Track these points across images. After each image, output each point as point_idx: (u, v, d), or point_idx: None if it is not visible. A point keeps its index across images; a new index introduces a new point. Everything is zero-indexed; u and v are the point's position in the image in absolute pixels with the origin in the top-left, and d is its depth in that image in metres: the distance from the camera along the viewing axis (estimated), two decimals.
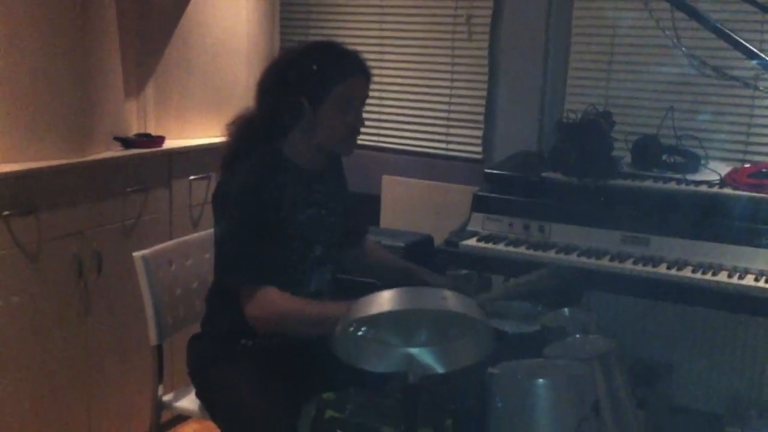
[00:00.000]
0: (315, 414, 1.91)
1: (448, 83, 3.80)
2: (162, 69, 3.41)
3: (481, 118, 3.73)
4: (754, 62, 1.78)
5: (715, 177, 2.95)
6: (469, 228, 3.08)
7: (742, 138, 3.23)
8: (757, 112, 3.20)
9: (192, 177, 3.33)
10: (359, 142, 2.30)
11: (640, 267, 2.73)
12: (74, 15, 2.82)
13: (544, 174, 3.08)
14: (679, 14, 2.24)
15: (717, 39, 1.77)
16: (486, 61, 3.68)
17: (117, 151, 3.09)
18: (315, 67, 2.15)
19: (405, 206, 3.87)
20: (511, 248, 2.92)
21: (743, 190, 2.83)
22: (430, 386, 1.83)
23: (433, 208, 3.77)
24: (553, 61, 3.56)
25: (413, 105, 3.90)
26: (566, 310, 2.19)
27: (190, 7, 3.41)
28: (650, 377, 3.12)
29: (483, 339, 1.71)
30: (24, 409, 2.76)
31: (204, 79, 3.49)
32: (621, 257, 2.79)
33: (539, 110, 3.58)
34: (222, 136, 2.34)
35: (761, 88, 3.02)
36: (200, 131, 3.49)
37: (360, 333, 1.70)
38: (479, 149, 3.74)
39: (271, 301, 2.07)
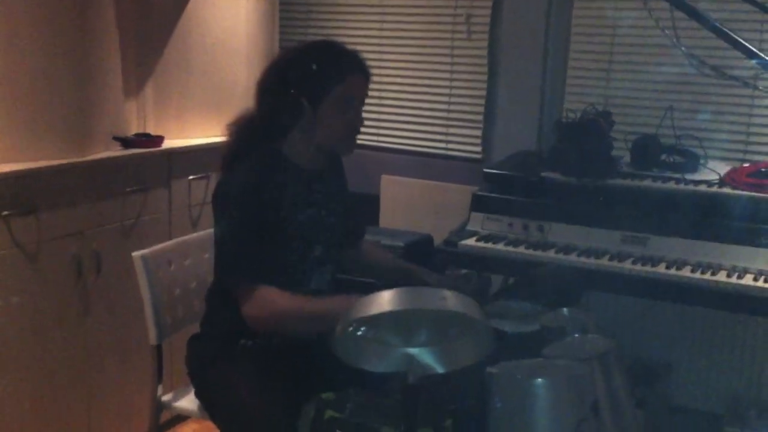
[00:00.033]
0: (314, 414, 1.91)
1: (447, 83, 3.80)
2: (161, 69, 3.40)
3: (480, 117, 3.73)
4: (754, 62, 1.78)
5: (714, 176, 2.95)
6: (469, 228, 3.08)
7: (742, 137, 3.24)
8: (756, 111, 3.21)
9: (191, 177, 3.33)
10: (358, 141, 2.30)
11: (639, 267, 2.73)
12: (74, 15, 2.82)
13: (543, 174, 3.08)
14: (679, 14, 2.23)
15: (716, 38, 1.77)
16: (485, 61, 3.68)
17: (116, 151, 3.09)
18: (314, 67, 2.15)
19: (404, 206, 3.87)
20: (510, 248, 2.92)
21: (742, 190, 2.83)
22: (430, 386, 1.83)
23: (433, 207, 3.77)
24: (553, 61, 3.56)
25: (413, 104, 3.90)
26: (565, 309, 2.18)
27: (189, 7, 3.41)
28: (649, 377, 3.13)
29: (483, 339, 1.71)
30: (24, 409, 2.76)
31: (203, 79, 3.49)
32: (620, 257, 2.79)
33: (539, 110, 3.59)
34: (221, 136, 2.34)
35: (761, 87, 3.03)
36: (199, 131, 3.49)
37: (360, 333, 1.70)
38: (478, 149, 3.75)
39: (269, 300, 2.06)
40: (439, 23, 3.78)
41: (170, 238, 2.80)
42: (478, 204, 3.10)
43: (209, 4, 3.46)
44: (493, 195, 3.11)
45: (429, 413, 1.86)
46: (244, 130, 2.24)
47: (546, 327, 2.09)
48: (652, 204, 2.89)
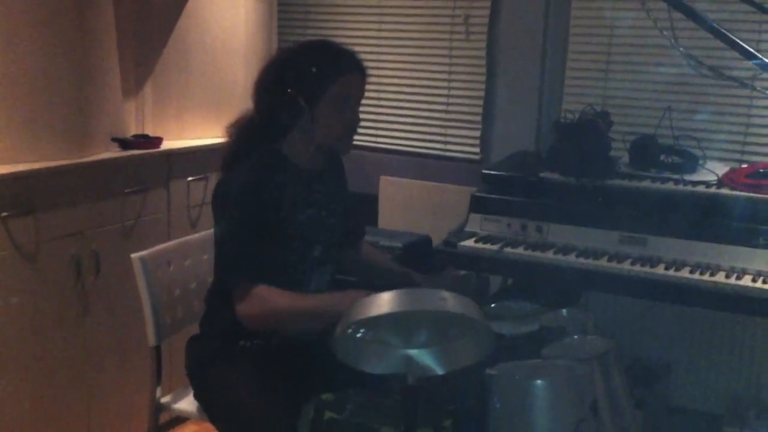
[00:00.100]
0: (314, 415, 1.92)
1: (445, 83, 3.80)
2: (160, 69, 3.40)
3: (478, 118, 3.73)
4: (752, 62, 1.78)
5: (712, 177, 2.95)
6: (467, 229, 3.08)
7: (740, 138, 3.24)
8: (754, 112, 3.21)
9: (190, 178, 3.33)
10: (357, 142, 2.30)
11: (638, 267, 2.73)
12: (73, 15, 2.82)
13: (541, 174, 3.08)
14: (677, 14, 2.24)
15: (714, 39, 1.77)
16: (484, 61, 3.68)
17: (115, 152, 3.09)
18: (311, 66, 2.16)
19: (403, 207, 3.88)
20: (509, 249, 2.92)
21: (741, 191, 2.83)
22: (430, 387, 1.83)
23: (431, 208, 3.77)
24: (551, 61, 3.57)
25: (411, 105, 3.90)
26: (564, 310, 2.19)
27: (188, 8, 3.41)
28: (648, 377, 3.13)
29: (482, 339, 1.71)
30: (23, 409, 2.76)
31: (202, 80, 3.49)
32: (619, 257, 2.79)
33: (537, 110, 3.59)
34: (220, 136, 2.34)
35: (758, 88, 3.03)
36: (198, 132, 3.49)
37: (359, 335, 1.70)
38: (477, 150, 3.75)
39: (264, 299, 2.07)
40: (437, 24, 3.78)
41: (169, 239, 2.80)
42: (477, 205, 3.10)
43: (208, 5, 3.46)
44: (491, 196, 3.11)
45: (429, 413, 1.86)
46: (243, 131, 2.25)
47: (545, 327, 2.10)
48: (650, 204, 2.89)
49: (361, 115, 2.26)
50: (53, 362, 2.85)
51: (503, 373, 1.80)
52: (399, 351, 1.72)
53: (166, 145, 3.30)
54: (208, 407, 2.29)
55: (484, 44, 3.67)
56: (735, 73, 3.00)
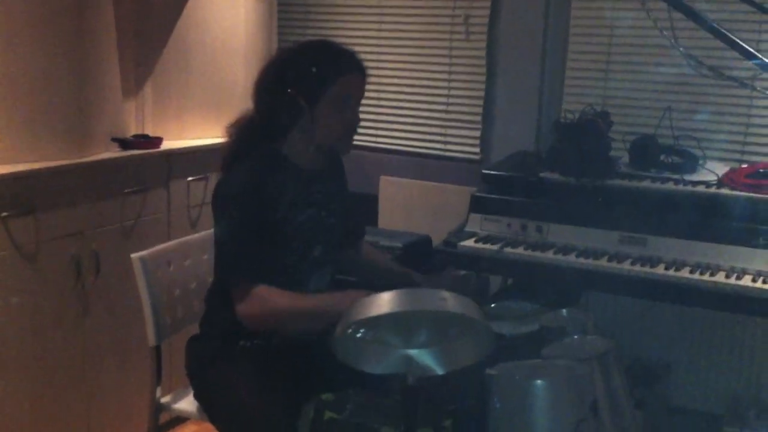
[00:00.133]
0: (314, 415, 1.92)
1: (445, 83, 3.80)
2: (160, 69, 3.40)
3: (478, 118, 3.73)
4: (752, 62, 1.78)
5: (712, 177, 2.95)
6: (467, 229, 3.08)
7: (740, 138, 3.24)
8: (754, 112, 3.21)
9: (190, 178, 3.33)
10: (357, 142, 2.30)
11: (638, 267, 2.73)
12: (72, 15, 2.82)
13: (541, 174, 3.08)
14: (677, 14, 2.24)
15: (714, 39, 1.77)
16: (484, 61, 3.68)
17: (115, 152, 3.09)
18: (311, 66, 2.16)
19: (403, 207, 3.88)
20: (509, 249, 2.92)
21: (741, 191, 2.83)
22: (430, 387, 1.83)
23: (431, 208, 3.77)
24: (551, 61, 3.57)
25: (411, 105, 3.90)
26: (564, 310, 2.19)
27: (188, 8, 3.41)
28: (648, 377, 3.13)
29: (482, 339, 1.71)
30: (23, 409, 2.76)
31: (202, 80, 3.49)
32: (619, 257, 2.79)
33: (537, 110, 3.59)
34: (220, 136, 2.34)
35: (758, 88, 3.03)
36: (198, 132, 3.49)
37: (359, 335, 1.70)
38: (477, 150, 3.75)
39: (263, 299, 2.07)
40: (437, 24, 3.78)
41: (169, 239, 2.80)
42: (477, 205, 3.10)
43: (208, 5, 3.46)
44: (491, 196, 3.11)
45: (429, 413, 1.86)
46: (243, 131, 2.25)
47: (545, 327, 2.10)
48: (650, 204, 2.89)
49: (361, 115, 2.26)
50: (53, 362, 2.85)
51: (503, 373, 1.80)
52: (399, 351, 1.72)
53: (166, 145, 3.30)
54: (208, 407, 2.29)
55: (484, 44, 3.67)
56: (735, 73, 3.00)
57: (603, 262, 2.77)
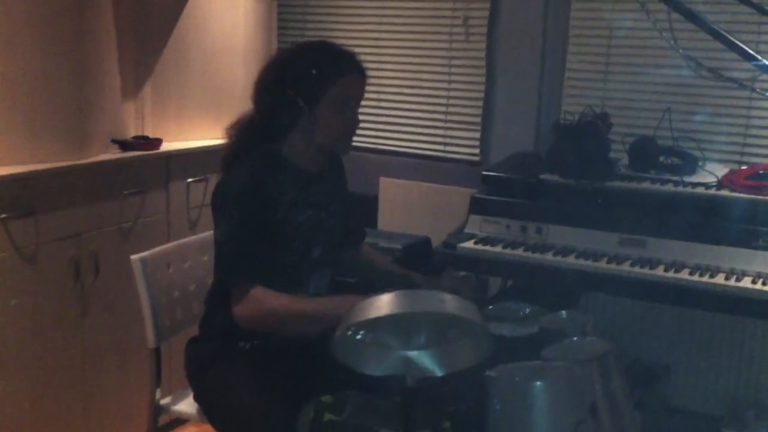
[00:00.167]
0: (313, 416, 1.92)
1: (445, 85, 3.80)
2: (159, 70, 3.40)
3: (478, 119, 3.73)
4: (751, 64, 1.78)
5: (712, 179, 2.95)
6: (467, 230, 3.08)
7: (739, 140, 3.24)
8: (753, 113, 3.21)
9: (190, 179, 3.33)
10: (357, 143, 2.30)
11: (637, 269, 2.73)
12: (72, 16, 2.82)
13: (541, 176, 3.08)
14: (676, 16, 2.24)
15: (714, 41, 1.77)
16: (483, 63, 3.68)
17: (115, 154, 3.09)
18: (310, 67, 2.16)
19: (403, 208, 3.88)
20: (508, 250, 2.92)
21: (740, 192, 2.83)
22: (429, 388, 1.83)
23: (431, 210, 3.77)
24: (551, 63, 3.57)
25: (410, 107, 3.90)
26: (564, 312, 2.19)
27: (188, 8, 3.41)
28: (648, 379, 3.13)
29: (482, 341, 1.71)
30: (22, 410, 2.76)
31: (202, 81, 3.49)
32: (618, 259, 2.79)
33: (536, 112, 3.59)
34: (220, 137, 2.34)
35: (758, 89, 3.03)
36: (198, 133, 3.49)
37: (358, 336, 1.70)
38: (476, 151, 3.75)
39: (259, 300, 2.07)
40: (436, 25, 3.78)
41: (168, 241, 2.80)
42: (477, 206, 3.10)
43: (208, 5, 3.46)
44: (491, 197, 3.11)
45: (428, 415, 1.86)
46: (243, 131, 2.25)
47: (545, 329, 2.10)
48: (650, 206, 2.89)
49: (361, 116, 2.26)
50: (52, 363, 2.84)
51: (503, 375, 1.80)
52: (398, 353, 1.72)
53: (166, 146, 3.30)
54: (207, 409, 2.28)
55: (483, 45, 3.67)
56: (734, 74, 3.00)
57: (602, 264, 2.77)
